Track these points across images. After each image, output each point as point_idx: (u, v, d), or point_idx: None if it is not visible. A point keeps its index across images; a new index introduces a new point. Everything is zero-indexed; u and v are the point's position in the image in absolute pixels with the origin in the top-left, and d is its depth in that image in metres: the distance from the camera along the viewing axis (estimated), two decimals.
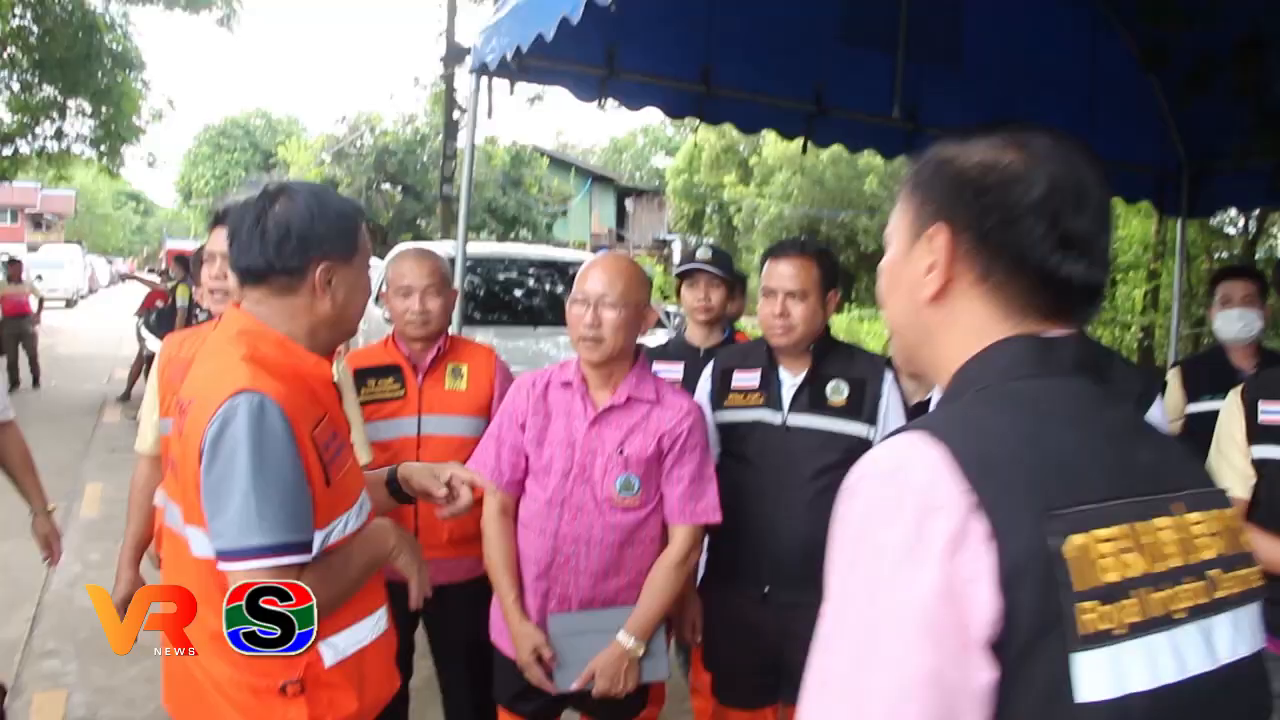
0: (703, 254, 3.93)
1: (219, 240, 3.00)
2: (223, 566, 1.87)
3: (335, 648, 2.02)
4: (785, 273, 3.01)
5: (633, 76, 5.21)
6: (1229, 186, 6.68)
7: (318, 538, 1.94)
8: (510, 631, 2.85)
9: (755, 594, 3.01)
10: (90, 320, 17.93)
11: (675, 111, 5.72)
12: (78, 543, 6.66)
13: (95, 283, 40.95)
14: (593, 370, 2.86)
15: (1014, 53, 5.68)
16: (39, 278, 30.32)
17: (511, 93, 5.17)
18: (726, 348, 3.50)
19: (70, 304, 32.45)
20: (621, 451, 2.79)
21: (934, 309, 1.18)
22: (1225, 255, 15.24)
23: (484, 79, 5.00)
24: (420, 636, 3.50)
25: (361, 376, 3.35)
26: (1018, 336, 1.13)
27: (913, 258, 1.20)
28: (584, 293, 2.81)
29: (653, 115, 58.61)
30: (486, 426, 3.11)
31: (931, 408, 3.17)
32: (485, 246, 12.68)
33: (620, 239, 40.28)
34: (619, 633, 2.80)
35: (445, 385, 3.35)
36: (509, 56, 4.48)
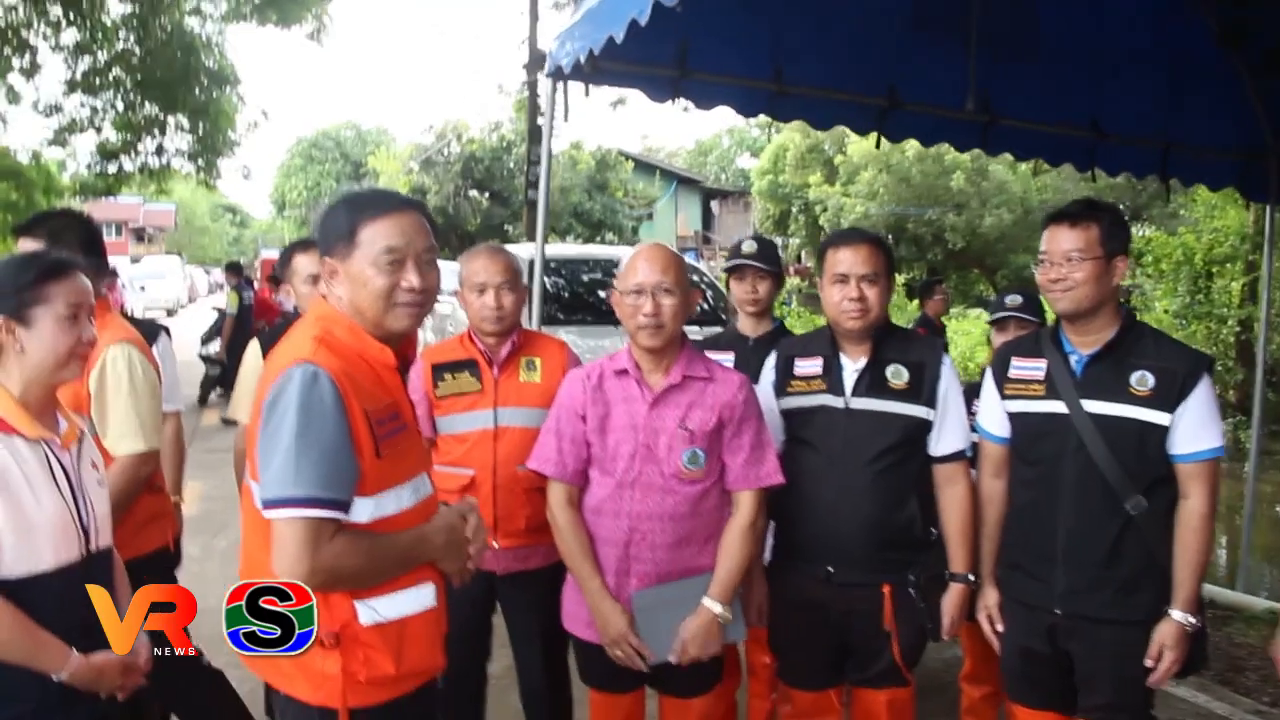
0: (748, 248, 4.00)
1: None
2: (266, 514, 2.04)
3: (375, 610, 2.14)
4: (857, 258, 3.09)
5: (704, 76, 5.26)
6: None
7: (368, 504, 2.11)
8: (597, 616, 2.95)
9: (819, 574, 3.08)
10: (189, 328, 18.56)
11: (747, 110, 5.76)
12: None
13: (195, 292, 42.34)
14: (647, 356, 2.97)
15: (1090, 38, 5.57)
16: (142, 288, 31.45)
17: (586, 95, 5.26)
18: (786, 338, 3.57)
19: (171, 313, 33.48)
20: (685, 427, 2.91)
21: None
22: None
23: (560, 83, 5.12)
24: (499, 624, 3.59)
25: (439, 371, 3.46)
26: None
27: None
28: (639, 283, 2.92)
29: (737, 117, 58.49)
30: None
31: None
32: (568, 248, 12.77)
33: (707, 240, 40.30)
34: (704, 599, 2.91)
35: (520, 378, 3.43)
36: (582, 60, 4.58)
